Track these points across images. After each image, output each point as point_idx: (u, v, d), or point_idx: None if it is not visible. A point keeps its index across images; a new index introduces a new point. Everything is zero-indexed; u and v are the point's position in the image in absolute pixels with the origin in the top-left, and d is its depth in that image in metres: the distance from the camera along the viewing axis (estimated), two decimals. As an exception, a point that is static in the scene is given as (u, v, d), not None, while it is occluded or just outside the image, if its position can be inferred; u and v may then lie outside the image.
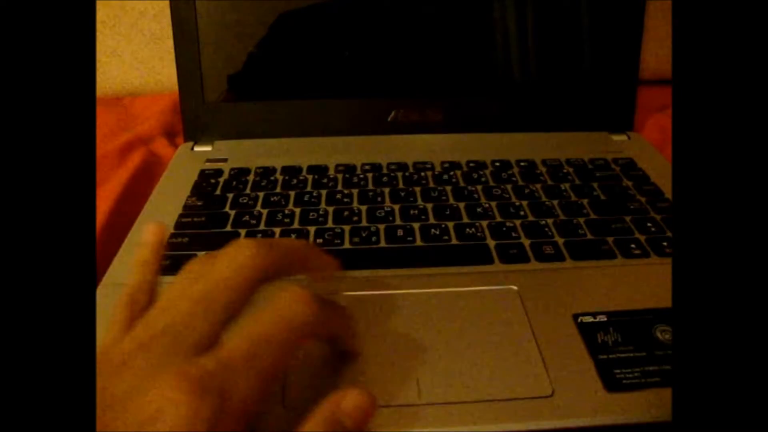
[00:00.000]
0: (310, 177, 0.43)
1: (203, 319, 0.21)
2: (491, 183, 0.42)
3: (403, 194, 0.40)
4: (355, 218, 0.38)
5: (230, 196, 0.40)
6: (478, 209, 0.38)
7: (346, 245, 0.35)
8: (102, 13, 0.56)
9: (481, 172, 0.43)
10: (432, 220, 0.37)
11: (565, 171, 0.43)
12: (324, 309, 0.23)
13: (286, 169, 0.43)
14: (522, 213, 0.38)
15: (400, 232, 0.36)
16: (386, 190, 0.41)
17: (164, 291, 0.23)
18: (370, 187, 0.41)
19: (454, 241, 0.35)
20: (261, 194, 0.40)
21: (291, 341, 0.21)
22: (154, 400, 0.18)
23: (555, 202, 0.39)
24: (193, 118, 0.47)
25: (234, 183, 0.42)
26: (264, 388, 0.20)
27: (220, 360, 0.20)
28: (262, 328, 0.21)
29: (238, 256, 0.23)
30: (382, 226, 0.37)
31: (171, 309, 0.21)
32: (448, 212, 0.38)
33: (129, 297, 0.24)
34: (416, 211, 0.38)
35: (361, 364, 0.26)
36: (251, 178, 0.42)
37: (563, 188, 0.41)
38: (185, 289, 0.22)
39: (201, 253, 0.26)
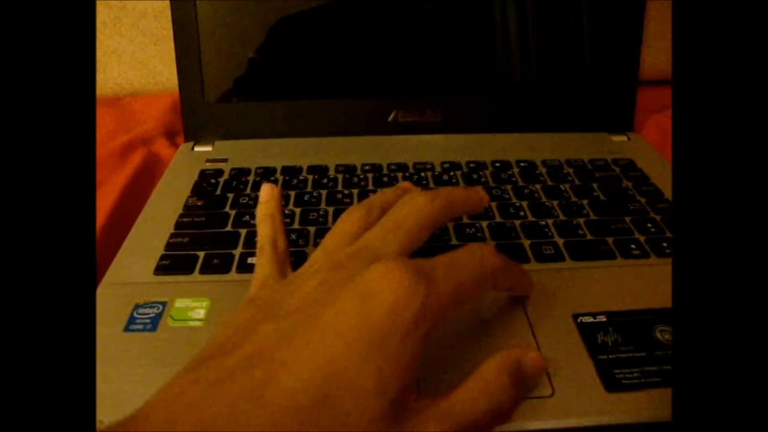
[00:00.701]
0: (310, 177, 0.43)
1: (395, 242, 0.25)
2: (491, 183, 0.42)
3: (403, 194, 0.40)
4: (355, 218, 0.38)
5: (230, 196, 0.40)
6: (478, 209, 0.38)
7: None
8: (102, 13, 0.56)
9: (481, 173, 0.43)
10: (432, 221, 0.37)
11: (564, 171, 0.43)
12: (507, 263, 0.26)
13: (286, 170, 0.43)
14: (522, 213, 0.38)
15: (400, 233, 0.36)
16: (386, 191, 0.41)
17: (335, 227, 0.27)
18: (371, 187, 0.41)
19: (453, 242, 0.35)
20: (261, 194, 0.40)
21: (481, 275, 0.24)
22: (373, 280, 0.21)
23: (555, 202, 0.39)
24: (194, 118, 0.47)
25: (234, 183, 0.42)
26: (456, 301, 0.23)
27: (430, 263, 0.23)
28: (462, 258, 0.24)
29: (417, 201, 0.27)
30: (382, 227, 0.37)
31: (365, 235, 0.26)
32: (448, 212, 0.38)
33: (271, 242, 0.28)
34: (416, 212, 0.38)
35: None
36: (251, 178, 0.43)
37: (563, 189, 0.41)
38: (365, 219, 0.27)
39: (357, 204, 0.29)
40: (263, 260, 0.28)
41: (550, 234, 0.36)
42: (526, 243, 0.35)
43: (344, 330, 0.20)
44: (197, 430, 0.18)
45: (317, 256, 0.26)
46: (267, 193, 0.31)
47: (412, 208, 0.26)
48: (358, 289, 0.21)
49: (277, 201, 0.30)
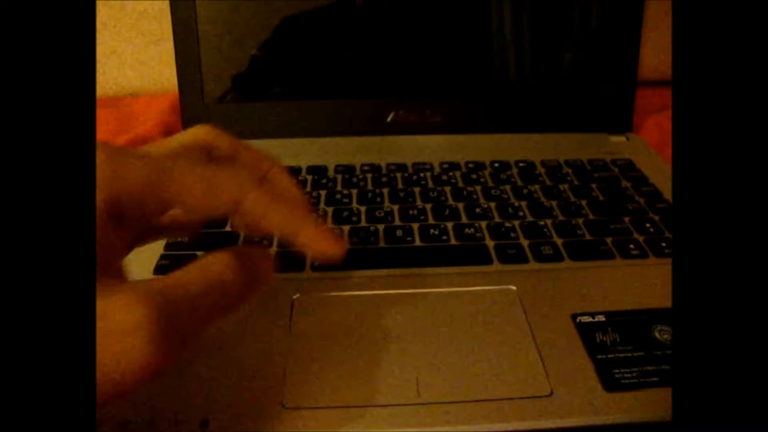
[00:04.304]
0: (309, 177, 0.43)
1: None
2: (490, 183, 0.42)
3: (402, 195, 0.40)
4: (355, 218, 0.38)
5: (230, 196, 0.40)
6: (477, 210, 0.38)
7: (346, 245, 0.35)
8: (102, 13, 0.56)
9: (480, 173, 0.43)
10: (431, 221, 0.37)
11: (563, 172, 0.43)
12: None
13: (285, 170, 0.43)
14: (521, 213, 0.38)
15: (399, 233, 0.36)
16: (385, 191, 0.41)
17: None
18: (370, 187, 0.41)
19: (453, 242, 0.35)
20: (260, 194, 0.40)
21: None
22: None
23: (554, 202, 0.39)
24: (193, 118, 0.47)
25: (233, 183, 0.42)
26: None
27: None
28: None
29: None
30: (381, 227, 0.37)
31: None
32: (447, 213, 0.38)
33: None
34: (415, 212, 0.38)
35: (360, 364, 0.26)
36: (251, 178, 0.42)
37: (562, 189, 0.41)
38: None
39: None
40: None
41: (549, 234, 0.36)
42: (525, 243, 0.35)
43: None
44: None
45: None
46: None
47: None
48: None
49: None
